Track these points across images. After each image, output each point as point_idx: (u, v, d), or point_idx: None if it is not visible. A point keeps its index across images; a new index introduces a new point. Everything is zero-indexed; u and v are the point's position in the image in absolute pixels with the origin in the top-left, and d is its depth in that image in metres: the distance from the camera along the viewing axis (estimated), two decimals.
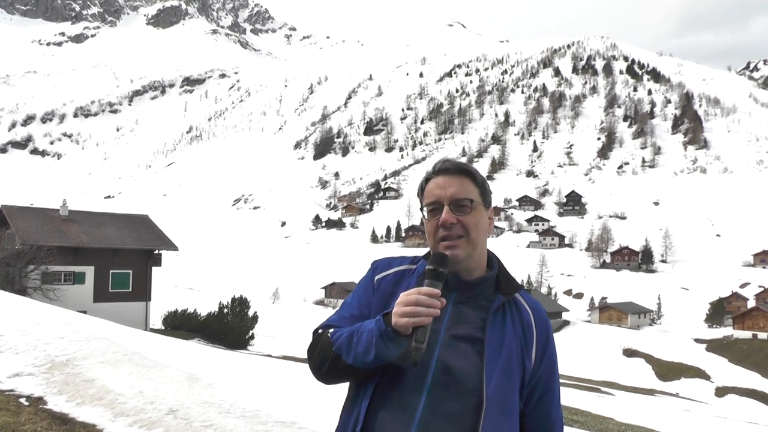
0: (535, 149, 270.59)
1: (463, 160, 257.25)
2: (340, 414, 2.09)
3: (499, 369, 1.96)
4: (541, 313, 2.16)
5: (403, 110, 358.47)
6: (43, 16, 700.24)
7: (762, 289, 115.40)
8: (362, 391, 2.01)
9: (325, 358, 2.00)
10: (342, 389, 2.12)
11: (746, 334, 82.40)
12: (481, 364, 1.94)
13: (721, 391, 65.07)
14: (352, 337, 1.94)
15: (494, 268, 2.16)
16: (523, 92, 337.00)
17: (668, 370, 71.18)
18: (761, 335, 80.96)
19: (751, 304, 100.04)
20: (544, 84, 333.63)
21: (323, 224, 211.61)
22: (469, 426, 1.89)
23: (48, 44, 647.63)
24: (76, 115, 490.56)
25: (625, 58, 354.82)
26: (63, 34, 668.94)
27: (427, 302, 1.84)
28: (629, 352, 77.42)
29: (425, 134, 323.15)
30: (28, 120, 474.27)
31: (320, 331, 2.09)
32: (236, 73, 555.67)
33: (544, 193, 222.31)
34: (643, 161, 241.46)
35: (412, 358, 1.85)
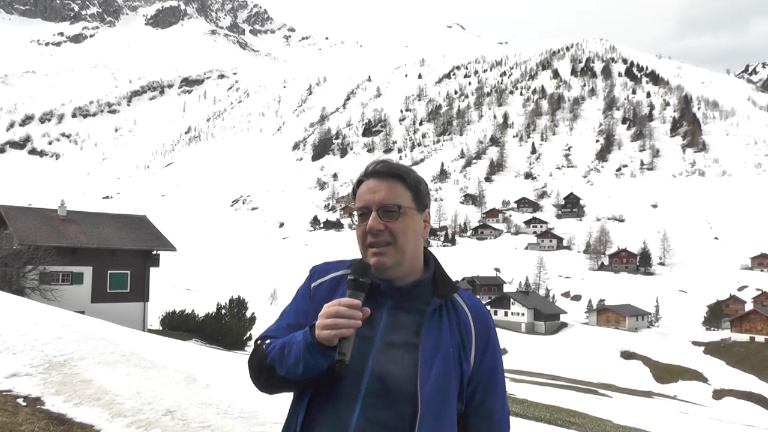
0: (534, 151, 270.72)
1: (462, 161, 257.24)
2: (282, 428, 2.07)
3: (434, 374, 1.93)
4: (481, 313, 2.11)
5: (401, 111, 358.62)
6: (42, 16, 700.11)
7: (760, 292, 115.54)
8: (299, 403, 2.00)
9: (261, 370, 1.98)
10: None
11: (744, 337, 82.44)
12: (415, 370, 1.90)
13: (718, 394, 65.12)
14: (283, 349, 1.93)
15: (430, 270, 2.10)
16: (521, 94, 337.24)
17: (666, 373, 71.19)
18: (759, 338, 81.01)
19: (749, 307, 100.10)
20: (542, 86, 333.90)
21: (321, 225, 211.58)
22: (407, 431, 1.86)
23: (47, 44, 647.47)
24: (74, 116, 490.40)
25: (624, 61, 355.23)
26: (62, 34, 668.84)
27: (347, 314, 1.82)
28: (627, 355, 77.43)
29: (424, 135, 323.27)
30: (27, 120, 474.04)
31: (259, 342, 2.07)
32: (235, 73, 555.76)
33: (543, 195, 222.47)
34: (642, 164, 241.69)
35: (336, 370, 1.84)
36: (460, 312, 2.07)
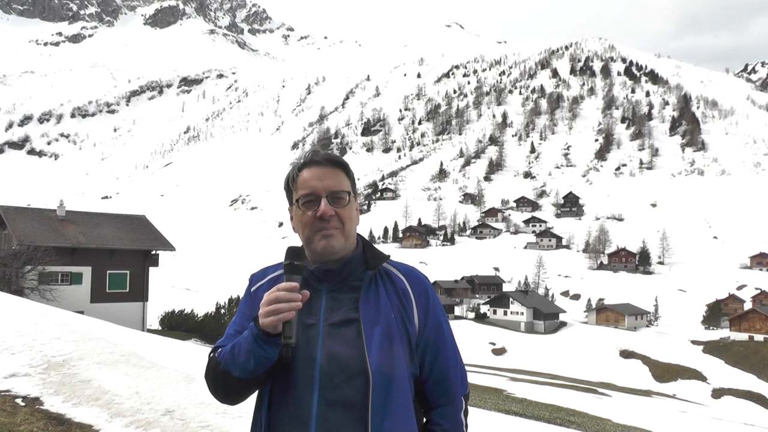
0: (533, 150, 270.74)
1: (461, 161, 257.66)
2: (250, 426, 2.13)
3: (378, 342, 1.97)
4: (417, 276, 2.16)
5: (400, 111, 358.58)
6: (40, 15, 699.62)
7: (759, 291, 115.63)
8: (260, 401, 2.05)
9: (217, 379, 2.01)
10: None
11: (743, 336, 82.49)
12: (361, 342, 1.96)
13: (717, 393, 65.12)
14: (234, 350, 1.96)
15: (359, 248, 2.16)
16: (520, 93, 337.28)
17: (665, 372, 71.20)
18: (758, 337, 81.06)
19: (748, 306, 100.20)
20: (541, 85, 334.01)
21: None
22: (364, 407, 1.92)
23: (45, 44, 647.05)
24: (73, 116, 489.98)
25: (623, 60, 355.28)
26: (60, 34, 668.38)
27: (286, 297, 1.87)
28: (626, 354, 77.44)
29: (423, 135, 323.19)
30: (25, 120, 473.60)
31: (211, 355, 2.09)
32: (234, 73, 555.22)
33: (542, 194, 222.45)
34: (641, 163, 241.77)
35: (284, 355, 1.90)
36: (395, 279, 2.13)
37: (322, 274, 2.07)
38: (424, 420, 2.14)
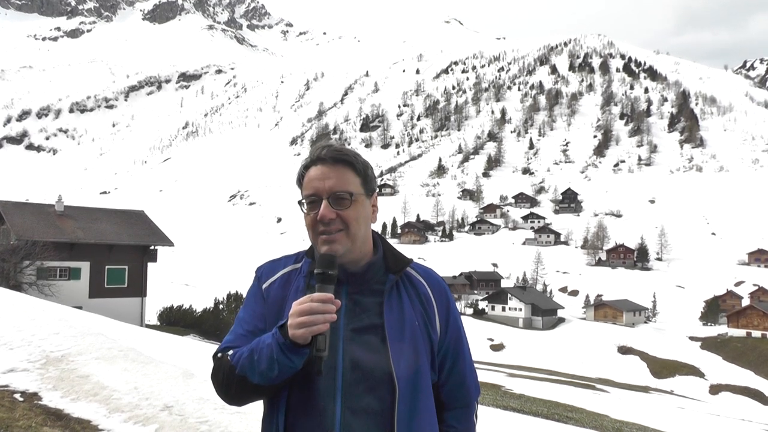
0: (532, 146, 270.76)
1: (460, 157, 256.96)
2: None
3: (405, 349, 1.93)
4: (437, 281, 2.12)
5: (399, 107, 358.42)
6: (39, 10, 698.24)
7: (756, 287, 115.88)
8: (276, 406, 1.95)
9: (231, 382, 1.92)
10: None
11: (740, 333, 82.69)
12: (386, 350, 1.90)
13: (715, 389, 65.29)
14: (252, 356, 1.86)
15: (380, 251, 2.09)
16: (519, 89, 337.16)
17: (663, 368, 71.38)
18: (755, 333, 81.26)
19: (746, 302, 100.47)
20: (540, 81, 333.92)
21: None
22: (389, 414, 1.87)
23: (43, 39, 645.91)
24: (71, 111, 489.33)
25: (622, 56, 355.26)
26: (59, 29, 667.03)
27: (321, 309, 1.78)
28: (624, 350, 77.62)
29: (421, 131, 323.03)
30: (24, 115, 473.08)
31: (219, 355, 1.99)
32: (232, 68, 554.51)
33: (540, 190, 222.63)
34: (639, 159, 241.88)
35: (315, 367, 1.81)
36: (417, 284, 2.08)
37: (343, 276, 1.98)
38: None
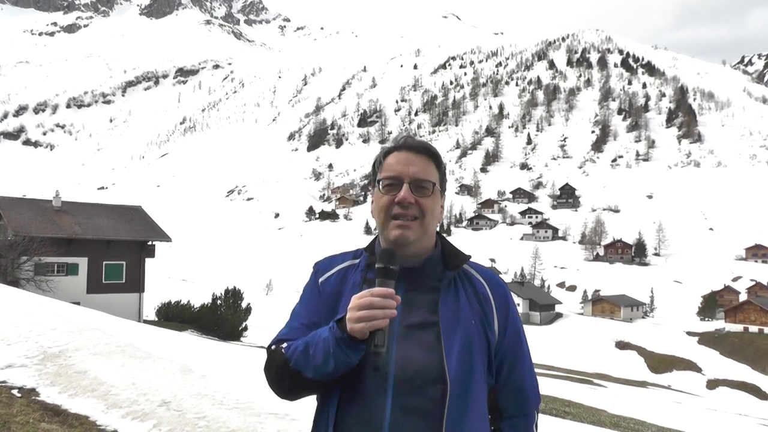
0: (529, 142, 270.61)
1: (457, 152, 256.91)
2: (311, 429, 2.01)
3: (458, 348, 1.87)
4: (496, 281, 2.09)
5: (397, 102, 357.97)
6: (35, 5, 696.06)
7: (754, 282, 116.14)
8: (327, 402, 1.92)
9: (284, 376, 1.89)
10: None
11: (738, 328, 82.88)
12: (440, 347, 1.85)
13: (712, 384, 65.49)
14: (308, 350, 1.84)
15: (438, 247, 2.07)
16: (517, 85, 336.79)
17: (660, 363, 71.54)
18: (752, 328, 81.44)
19: (743, 297, 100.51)
20: (538, 76, 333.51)
21: (317, 216, 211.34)
22: (438, 415, 1.81)
23: (40, 34, 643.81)
24: (68, 106, 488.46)
25: (620, 52, 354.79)
26: (55, 24, 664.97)
27: (381, 303, 1.74)
28: (622, 345, 77.76)
29: (419, 126, 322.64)
30: (21, 111, 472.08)
31: (273, 347, 1.97)
32: (230, 64, 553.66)
33: (538, 185, 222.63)
34: (637, 155, 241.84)
35: (373, 363, 1.78)
36: (475, 282, 2.04)
37: (400, 272, 1.89)
38: (492, 428, 2.01)
